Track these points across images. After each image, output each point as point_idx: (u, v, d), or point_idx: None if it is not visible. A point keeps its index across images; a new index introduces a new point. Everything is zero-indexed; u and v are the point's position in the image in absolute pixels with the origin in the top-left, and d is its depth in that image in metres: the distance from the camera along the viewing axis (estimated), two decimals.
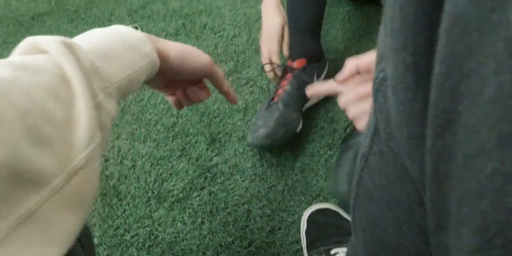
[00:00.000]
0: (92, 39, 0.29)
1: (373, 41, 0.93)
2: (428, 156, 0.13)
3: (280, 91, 0.70)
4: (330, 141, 0.72)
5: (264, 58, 0.73)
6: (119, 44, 0.29)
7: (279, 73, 0.73)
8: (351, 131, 0.61)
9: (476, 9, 0.10)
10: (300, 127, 0.69)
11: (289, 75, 0.70)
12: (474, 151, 0.11)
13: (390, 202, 0.19)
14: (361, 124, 0.39)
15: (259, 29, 1.06)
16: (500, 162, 0.09)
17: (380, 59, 0.17)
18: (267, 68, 0.73)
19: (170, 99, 0.43)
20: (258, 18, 1.09)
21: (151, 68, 0.32)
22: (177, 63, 0.34)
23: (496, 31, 0.09)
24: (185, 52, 0.35)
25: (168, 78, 0.36)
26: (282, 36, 0.72)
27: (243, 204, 0.63)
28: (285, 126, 0.66)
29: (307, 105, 0.74)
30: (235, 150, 0.72)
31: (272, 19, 0.72)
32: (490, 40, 0.09)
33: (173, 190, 0.66)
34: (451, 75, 0.11)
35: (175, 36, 1.07)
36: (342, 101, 0.42)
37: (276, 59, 0.72)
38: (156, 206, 0.64)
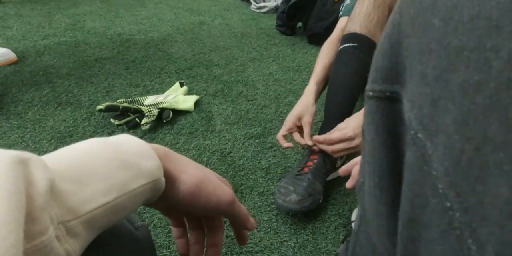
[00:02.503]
0: (70, 155, 0.23)
1: None
2: (400, 238, 0.19)
3: (310, 163, 0.79)
4: (340, 210, 0.79)
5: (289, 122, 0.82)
6: (107, 160, 0.24)
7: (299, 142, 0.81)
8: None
9: (415, 163, 0.16)
10: (322, 198, 0.78)
11: (319, 151, 0.81)
12: (429, 238, 0.16)
13: None
14: None
15: (286, 104, 1.23)
16: (443, 246, 0.15)
17: (361, 169, 0.24)
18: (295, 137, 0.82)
19: (174, 231, 0.33)
20: (286, 96, 1.27)
21: (153, 190, 0.26)
22: (188, 193, 0.27)
23: (426, 180, 0.15)
24: (203, 182, 0.28)
25: (173, 207, 0.29)
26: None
27: (256, 252, 0.67)
28: (312, 196, 0.74)
29: (328, 179, 0.84)
30: (254, 202, 0.79)
31: (309, 108, 0.84)
32: (425, 183, 0.16)
33: None
34: (408, 194, 0.17)
35: (213, 96, 1.22)
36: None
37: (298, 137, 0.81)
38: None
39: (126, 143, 0.26)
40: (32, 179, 0.18)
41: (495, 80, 0.13)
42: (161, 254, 0.65)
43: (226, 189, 0.29)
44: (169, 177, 0.27)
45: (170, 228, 0.70)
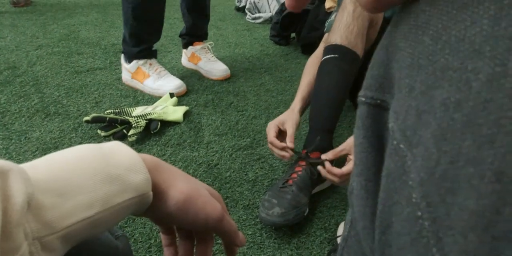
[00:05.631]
0: (56, 164, 0.23)
1: None
2: (377, 245, 0.20)
3: (294, 175, 0.78)
4: (326, 224, 0.78)
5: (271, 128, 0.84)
6: (93, 172, 0.23)
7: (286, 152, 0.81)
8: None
9: (395, 172, 0.17)
10: (307, 211, 0.76)
11: (303, 163, 0.80)
12: (400, 245, 0.17)
13: None
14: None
15: (277, 115, 1.21)
16: (411, 254, 0.16)
17: (352, 175, 0.25)
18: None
19: (163, 239, 0.33)
20: (277, 106, 1.26)
21: (139, 204, 0.25)
22: (176, 207, 0.27)
23: (403, 189, 0.17)
24: (192, 197, 0.27)
25: (161, 219, 0.29)
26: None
27: None
28: (296, 208, 0.73)
29: (314, 191, 0.83)
30: (239, 216, 0.78)
31: (293, 116, 0.86)
32: (401, 192, 0.17)
33: None
34: (386, 201, 0.18)
35: (203, 107, 1.22)
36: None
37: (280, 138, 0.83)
38: (156, 254, 0.66)
39: (116, 154, 0.25)
40: (10, 193, 0.18)
41: (473, 100, 0.14)
42: None
43: (215, 205, 0.29)
44: (157, 190, 0.27)
45: (151, 243, 0.69)
